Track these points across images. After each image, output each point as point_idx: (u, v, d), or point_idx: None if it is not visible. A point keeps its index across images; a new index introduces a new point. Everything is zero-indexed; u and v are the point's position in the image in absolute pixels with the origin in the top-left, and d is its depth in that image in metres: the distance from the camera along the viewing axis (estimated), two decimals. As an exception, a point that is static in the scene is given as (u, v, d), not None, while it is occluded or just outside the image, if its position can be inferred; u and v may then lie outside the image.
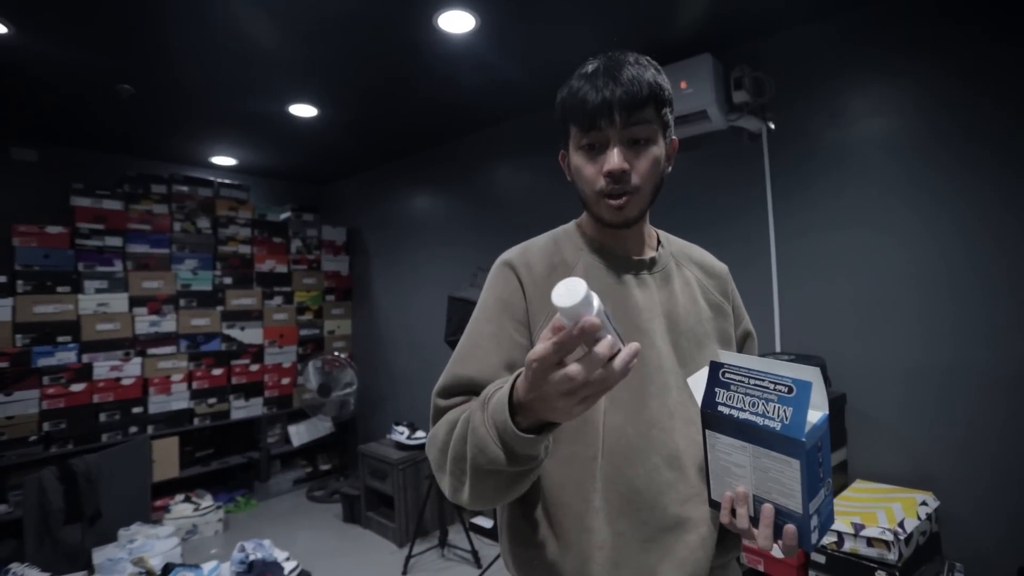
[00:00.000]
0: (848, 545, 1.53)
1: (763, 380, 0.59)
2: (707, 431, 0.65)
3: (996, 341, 1.71)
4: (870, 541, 1.50)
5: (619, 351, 0.50)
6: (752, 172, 2.23)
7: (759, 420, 0.59)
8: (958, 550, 1.74)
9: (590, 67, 0.75)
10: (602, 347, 0.49)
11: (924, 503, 1.67)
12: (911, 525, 1.54)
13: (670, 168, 0.80)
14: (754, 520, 0.62)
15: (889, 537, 1.47)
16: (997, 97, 1.71)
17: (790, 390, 0.57)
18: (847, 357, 1.99)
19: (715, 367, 0.65)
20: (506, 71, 2.46)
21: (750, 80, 2.09)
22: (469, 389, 0.73)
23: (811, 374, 0.58)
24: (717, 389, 0.64)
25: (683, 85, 2.12)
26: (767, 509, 0.60)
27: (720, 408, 0.63)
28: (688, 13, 1.99)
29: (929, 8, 1.82)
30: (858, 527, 1.52)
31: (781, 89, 2.13)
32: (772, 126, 2.16)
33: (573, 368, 0.49)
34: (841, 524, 1.55)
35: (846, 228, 2.00)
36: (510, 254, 0.83)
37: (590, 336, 0.48)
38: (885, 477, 1.89)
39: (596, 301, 0.49)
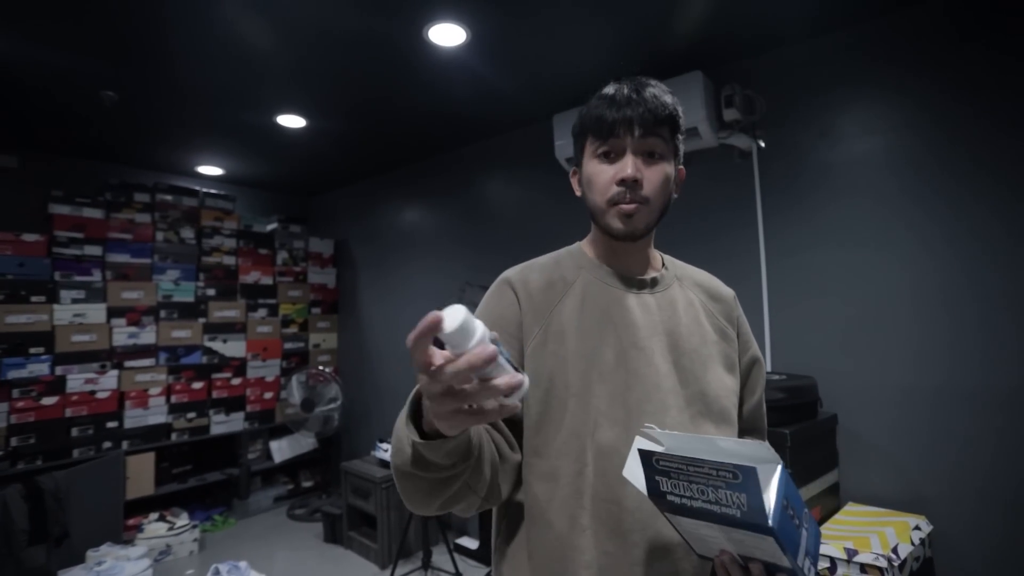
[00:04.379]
0: (841, 572, 1.49)
1: (702, 467, 0.53)
2: (665, 513, 0.60)
3: (991, 362, 1.70)
4: (864, 567, 1.46)
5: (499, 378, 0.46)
6: (743, 189, 2.23)
7: (715, 508, 0.54)
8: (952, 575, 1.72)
9: (612, 87, 0.77)
10: (472, 359, 0.43)
11: (917, 527, 1.64)
12: (905, 550, 1.50)
13: (676, 195, 0.82)
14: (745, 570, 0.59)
15: (883, 563, 1.43)
16: (992, 112, 1.71)
17: (735, 475, 0.52)
18: (839, 376, 1.97)
19: (646, 456, 0.58)
20: (497, 84, 2.45)
21: (741, 98, 2.09)
22: None
23: (749, 454, 0.53)
24: (658, 478, 0.58)
25: (674, 102, 2.12)
26: (756, 568, 0.57)
27: (669, 497, 0.57)
28: (679, 31, 1.99)
29: (919, 26, 1.84)
30: (851, 552, 1.48)
31: (771, 107, 2.13)
32: (762, 144, 2.16)
33: (438, 359, 0.44)
34: (834, 549, 1.51)
35: (837, 246, 2.00)
36: (510, 272, 0.83)
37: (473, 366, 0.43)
38: (877, 500, 1.86)
39: (479, 331, 0.44)
